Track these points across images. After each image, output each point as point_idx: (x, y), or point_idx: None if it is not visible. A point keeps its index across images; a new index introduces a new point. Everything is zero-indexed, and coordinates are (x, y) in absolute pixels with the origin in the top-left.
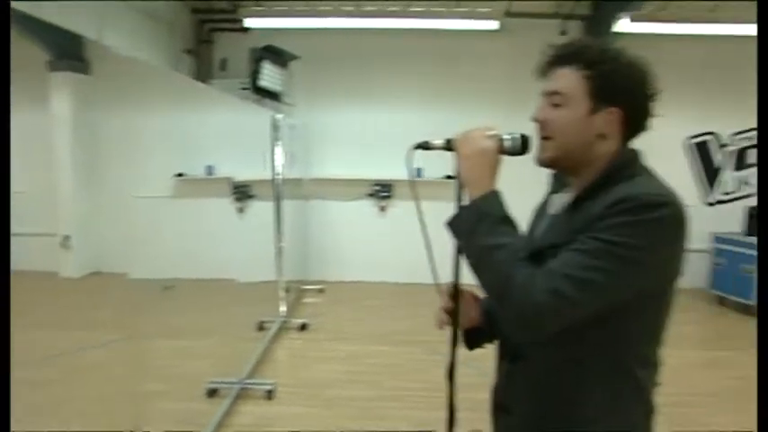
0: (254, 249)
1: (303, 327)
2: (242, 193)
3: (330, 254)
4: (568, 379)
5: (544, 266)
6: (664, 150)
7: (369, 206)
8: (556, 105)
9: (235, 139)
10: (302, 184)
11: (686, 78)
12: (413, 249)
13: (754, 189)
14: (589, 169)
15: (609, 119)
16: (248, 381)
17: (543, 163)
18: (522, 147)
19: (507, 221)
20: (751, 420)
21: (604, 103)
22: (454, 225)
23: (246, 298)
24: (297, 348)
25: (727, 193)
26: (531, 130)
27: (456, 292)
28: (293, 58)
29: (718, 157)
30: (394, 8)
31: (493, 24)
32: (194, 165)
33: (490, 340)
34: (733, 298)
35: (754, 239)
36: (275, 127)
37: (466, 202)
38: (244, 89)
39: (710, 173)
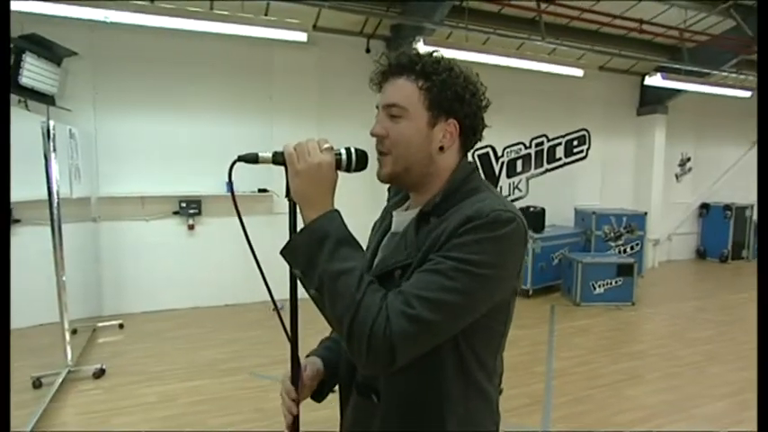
0: (22, 287)
1: (99, 373)
2: None
3: (130, 282)
4: (428, 405)
5: (395, 289)
6: None
7: (175, 225)
8: (394, 118)
9: None
10: (90, 204)
11: None
12: (228, 268)
13: (523, 192)
14: (431, 184)
15: (448, 131)
16: None
17: (384, 179)
18: (357, 162)
19: (349, 243)
20: (536, 385)
21: (443, 115)
22: (290, 253)
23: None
24: (90, 402)
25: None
26: (342, 145)
27: (295, 375)
28: (69, 53)
29: (496, 167)
30: (194, 8)
31: (301, 36)
32: None
33: (334, 385)
34: None
35: None
36: (47, 136)
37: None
38: None
39: (491, 180)
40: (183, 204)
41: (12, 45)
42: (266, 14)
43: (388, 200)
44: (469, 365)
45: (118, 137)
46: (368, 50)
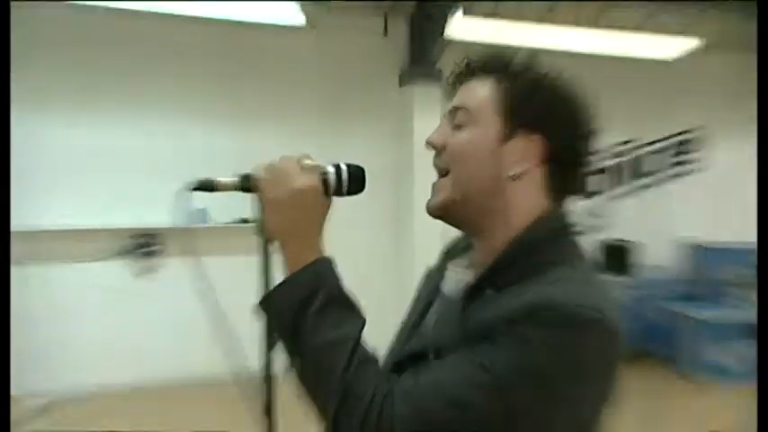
0: None
1: None
2: None
3: (58, 348)
4: None
5: (407, 379)
6: None
7: (123, 268)
8: (458, 127)
9: None
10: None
11: None
12: (196, 329)
13: (601, 220)
14: (495, 228)
15: (526, 149)
16: None
17: (434, 210)
18: (351, 182)
19: (342, 302)
20: None
21: (522, 128)
22: (267, 312)
23: None
24: None
25: None
26: (354, 157)
27: None
28: None
29: None
30: None
31: (297, 19)
32: None
33: None
34: None
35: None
36: None
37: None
38: None
39: None
40: (137, 240)
41: None
42: None
43: (449, 245)
44: None
45: (43, 149)
46: (386, 33)
